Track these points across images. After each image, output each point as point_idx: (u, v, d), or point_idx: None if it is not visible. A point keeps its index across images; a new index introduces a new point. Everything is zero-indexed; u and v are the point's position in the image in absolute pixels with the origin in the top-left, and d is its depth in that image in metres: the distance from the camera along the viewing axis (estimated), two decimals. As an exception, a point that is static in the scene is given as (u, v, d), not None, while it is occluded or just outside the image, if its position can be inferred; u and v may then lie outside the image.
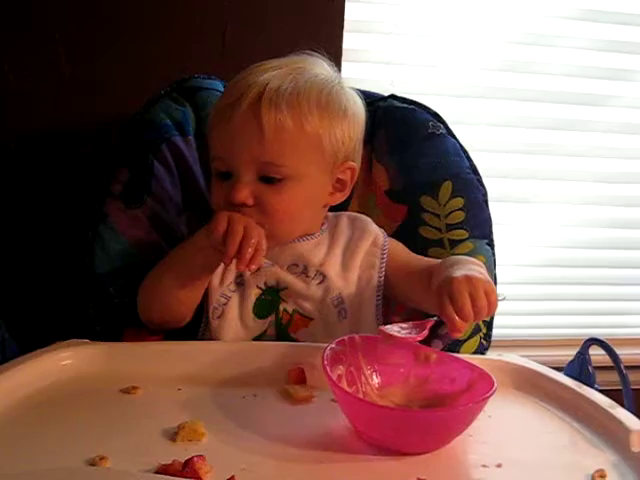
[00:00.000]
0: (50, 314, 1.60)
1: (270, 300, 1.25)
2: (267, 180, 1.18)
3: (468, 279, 1.04)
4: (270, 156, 1.17)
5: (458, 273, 1.06)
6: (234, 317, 1.23)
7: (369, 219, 1.33)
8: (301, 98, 1.18)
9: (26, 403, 0.95)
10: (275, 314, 1.24)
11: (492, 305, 1.03)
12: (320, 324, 1.24)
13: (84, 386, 1.02)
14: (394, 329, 1.01)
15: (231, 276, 1.25)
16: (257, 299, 1.24)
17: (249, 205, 1.17)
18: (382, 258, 1.28)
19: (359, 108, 1.28)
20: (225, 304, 1.23)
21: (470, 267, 1.11)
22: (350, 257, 1.27)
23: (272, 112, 1.16)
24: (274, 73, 1.19)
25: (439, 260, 1.23)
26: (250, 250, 1.08)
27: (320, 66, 1.27)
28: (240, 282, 1.25)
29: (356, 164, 1.27)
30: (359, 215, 1.35)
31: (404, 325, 1.04)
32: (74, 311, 1.31)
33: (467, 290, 1.02)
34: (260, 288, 1.25)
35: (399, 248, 1.32)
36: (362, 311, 1.26)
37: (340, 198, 1.29)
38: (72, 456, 0.80)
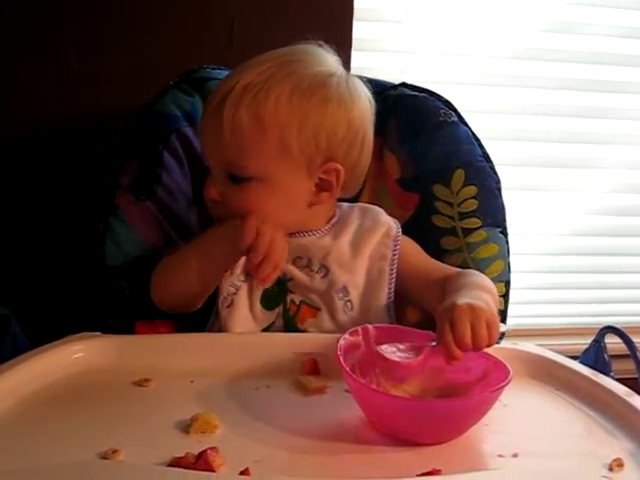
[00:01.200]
0: (61, 307, 1.60)
1: (277, 291, 1.24)
2: (234, 179, 1.18)
3: (471, 308, 1.00)
4: (231, 156, 1.17)
5: (461, 301, 1.02)
6: (243, 307, 1.22)
7: (381, 210, 1.32)
8: (269, 95, 1.15)
9: (38, 396, 0.94)
10: (282, 305, 1.24)
11: (492, 338, 0.99)
12: (327, 315, 1.23)
13: (96, 379, 1.02)
14: (390, 350, 1.01)
15: (240, 266, 1.25)
16: (264, 290, 1.23)
17: (218, 202, 1.19)
18: (394, 250, 1.26)
19: (356, 102, 1.22)
20: (234, 294, 1.22)
21: (477, 295, 1.07)
22: (358, 248, 1.25)
23: (232, 111, 1.14)
24: (256, 69, 1.17)
25: (454, 270, 1.23)
26: (269, 269, 1.11)
27: (318, 56, 1.23)
28: (249, 273, 1.25)
29: (342, 165, 1.20)
30: (370, 206, 1.34)
31: (401, 346, 1.03)
32: (85, 304, 1.31)
33: (469, 319, 0.98)
34: None
35: (409, 245, 1.30)
36: (372, 303, 1.25)
37: (328, 198, 1.24)
38: (84, 449, 0.80)
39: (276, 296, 1.24)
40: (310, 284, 1.23)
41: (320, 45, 1.25)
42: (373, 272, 1.25)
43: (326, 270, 1.23)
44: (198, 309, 1.24)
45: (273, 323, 1.23)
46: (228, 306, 1.22)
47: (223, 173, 1.18)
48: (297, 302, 1.24)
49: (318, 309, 1.23)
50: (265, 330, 1.23)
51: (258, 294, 1.23)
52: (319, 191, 1.22)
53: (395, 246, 1.26)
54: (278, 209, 1.19)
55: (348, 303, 1.23)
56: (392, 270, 1.25)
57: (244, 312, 1.22)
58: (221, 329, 1.22)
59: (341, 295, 1.23)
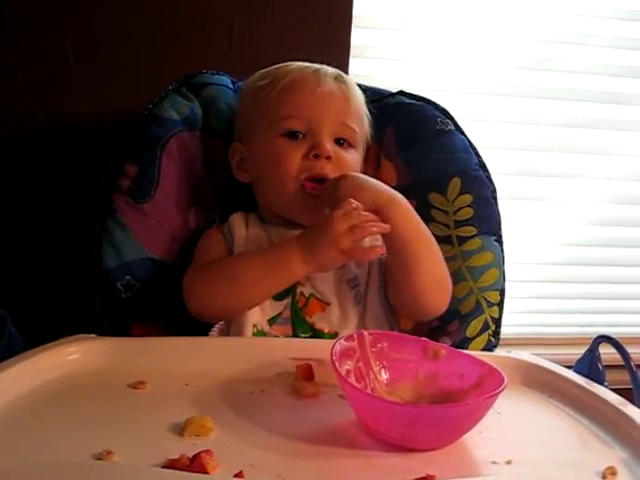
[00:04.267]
0: (57, 309, 1.60)
1: None
2: (340, 143, 1.29)
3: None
4: (351, 119, 1.31)
5: None
6: None
7: None
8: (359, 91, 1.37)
9: (33, 397, 0.94)
10: (292, 296, 1.25)
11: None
12: (336, 309, 1.25)
13: (91, 381, 1.02)
14: None
15: None
16: None
17: (331, 158, 1.25)
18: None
19: None
20: None
21: None
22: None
23: (353, 86, 1.35)
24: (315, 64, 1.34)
25: None
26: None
27: None
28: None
29: None
30: None
31: None
32: (81, 306, 1.31)
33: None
34: None
35: None
36: (370, 291, 1.28)
37: None
38: (79, 450, 0.79)
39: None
40: (324, 275, 1.24)
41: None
42: (373, 267, 1.29)
43: None
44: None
45: (280, 314, 1.25)
46: None
47: (331, 136, 1.28)
48: (306, 295, 1.25)
49: (327, 303, 1.25)
50: (272, 320, 1.25)
51: None
52: None
53: None
54: None
55: (358, 295, 1.25)
56: (381, 263, 1.29)
57: None
58: None
59: (352, 285, 1.25)
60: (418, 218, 1.23)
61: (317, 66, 1.33)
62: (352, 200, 1.14)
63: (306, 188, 1.24)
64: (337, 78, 1.32)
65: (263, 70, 1.36)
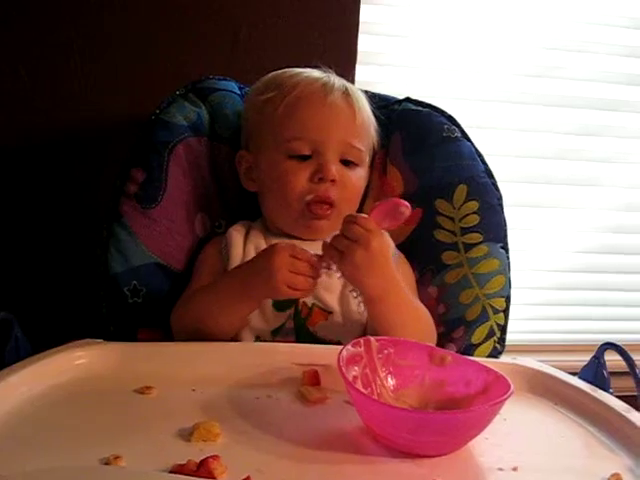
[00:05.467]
0: (64, 314, 1.60)
1: None
2: (345, 163, 1.29)
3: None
4: (353, 138, 1.29)
5: None
6: None
7: None
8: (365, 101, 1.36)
9: (40, 402, 0.94)
10: (294, 307, 1.25)
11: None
12: (339, 318, 1.25)
13: (98, 386, 1.02)
14: None
15: None
16: None
17: (335, 181, 1.25)
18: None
19: None
20: None
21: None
22: None
23: (359, 103, 1.32)
24: (329, 74, 1.35)
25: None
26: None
27: None
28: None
29: None
30: None
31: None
32: (88, 311, 1.31)
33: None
34: None
35: (402, 263, 1.35)
36: None
37: None
38: (86, 455, 0.80)
39: (288, 298, 1.24)
40: (327, 282, 1.24)
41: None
42: None
43: None
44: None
45: (284, 325, 1.24)
46: None
47: (337, 157, 1.28)
48: (309, 304, 1.25)
49: (330, 312, 1.25)
50: (276, 331, 1.25)
51: None
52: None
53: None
54: (360, 195, 1.37)
55: (361, 304, 1.24)
56: None
57: (254, 313, 1.22)
58: None
59: (356, 294, 1.24)
60: (409, 304, 1.23)
61: (324, 79, 1.32)
62: (307, 251, 1.14)
63: (311, 209, 1.26)
64: (345, 92, 1.31)
65: (269, 76, 1.35)
